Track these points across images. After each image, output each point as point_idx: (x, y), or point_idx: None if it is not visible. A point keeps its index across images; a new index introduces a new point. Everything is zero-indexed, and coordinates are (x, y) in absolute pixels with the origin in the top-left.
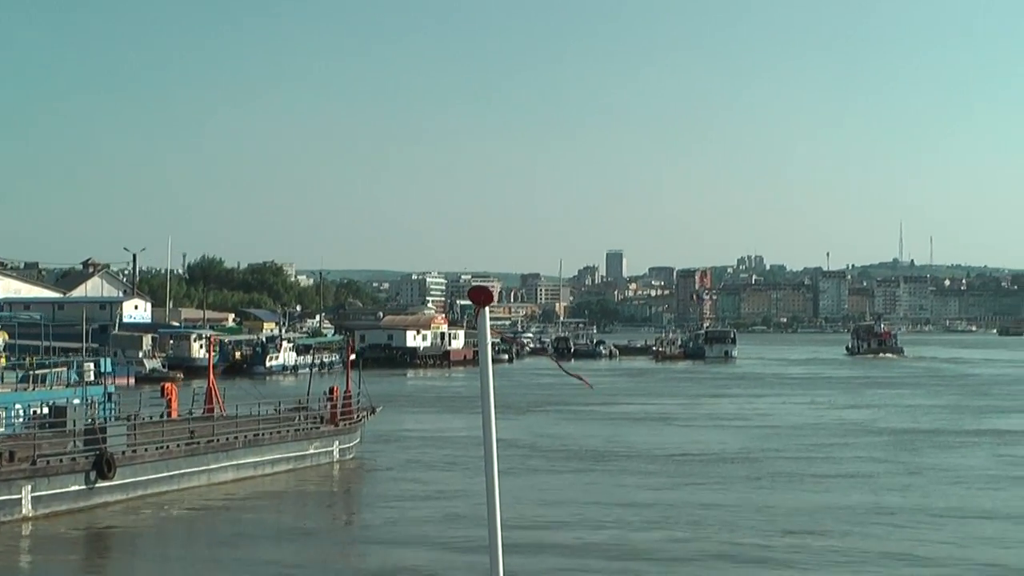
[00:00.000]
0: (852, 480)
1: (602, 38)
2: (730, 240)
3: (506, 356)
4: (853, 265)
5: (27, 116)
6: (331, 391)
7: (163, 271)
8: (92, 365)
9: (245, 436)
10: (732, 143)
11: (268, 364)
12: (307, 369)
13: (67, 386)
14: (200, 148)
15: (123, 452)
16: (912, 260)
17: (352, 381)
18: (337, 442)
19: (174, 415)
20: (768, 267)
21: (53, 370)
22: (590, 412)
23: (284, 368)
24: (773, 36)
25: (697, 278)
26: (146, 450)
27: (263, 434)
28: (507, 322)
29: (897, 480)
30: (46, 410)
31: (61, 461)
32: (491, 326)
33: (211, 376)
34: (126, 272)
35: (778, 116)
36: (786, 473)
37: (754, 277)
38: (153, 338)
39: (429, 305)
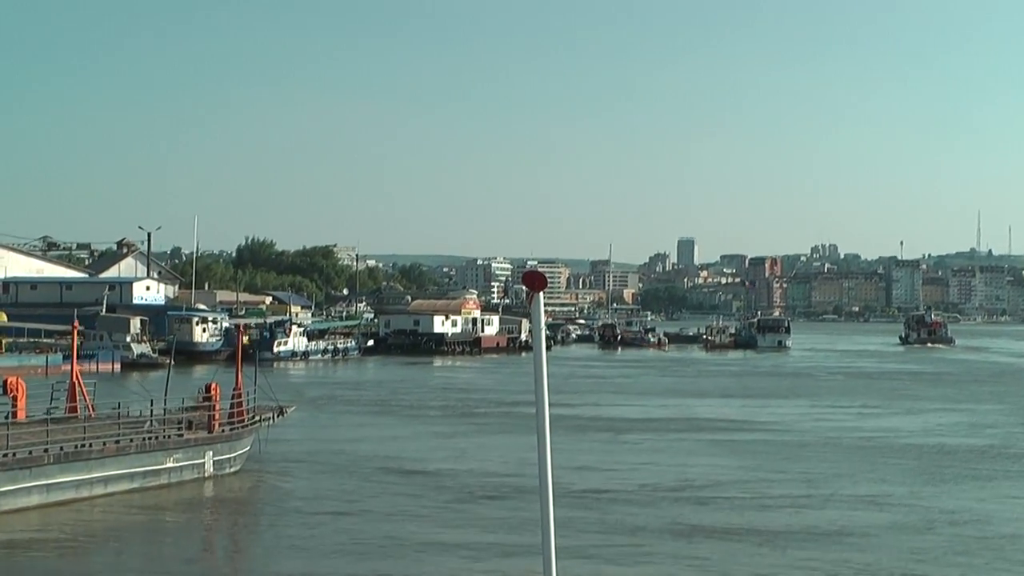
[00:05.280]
0: (840, 541)
1: (689, 37)
2: (805, 229)
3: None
4: (929, 255)
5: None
6: (208, 388)
7: (218, 252)
8: None
9: (61, 448)
10: (809, 132)
11: (276, 350)
12: (320, 355)
13: None
14: (273, 133)
15: None
16: (990, 250)
17: (245, 376)
18: (210, 453)
19: (20, 416)
20: (842, 256)
21: None
22: (557, 418)
23: (294, 354)
24: (844, 24)
25: (767, 266)
26: None
27: (89, 444)
28: (573, 308)
29: (904, 544)
30: None
31: None
32: (551, 311)
33: (75, 367)
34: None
35: (855, 106)
36: (743, 528)
37: (827, 266)
38: (142, 321)
39: (472, 290)
